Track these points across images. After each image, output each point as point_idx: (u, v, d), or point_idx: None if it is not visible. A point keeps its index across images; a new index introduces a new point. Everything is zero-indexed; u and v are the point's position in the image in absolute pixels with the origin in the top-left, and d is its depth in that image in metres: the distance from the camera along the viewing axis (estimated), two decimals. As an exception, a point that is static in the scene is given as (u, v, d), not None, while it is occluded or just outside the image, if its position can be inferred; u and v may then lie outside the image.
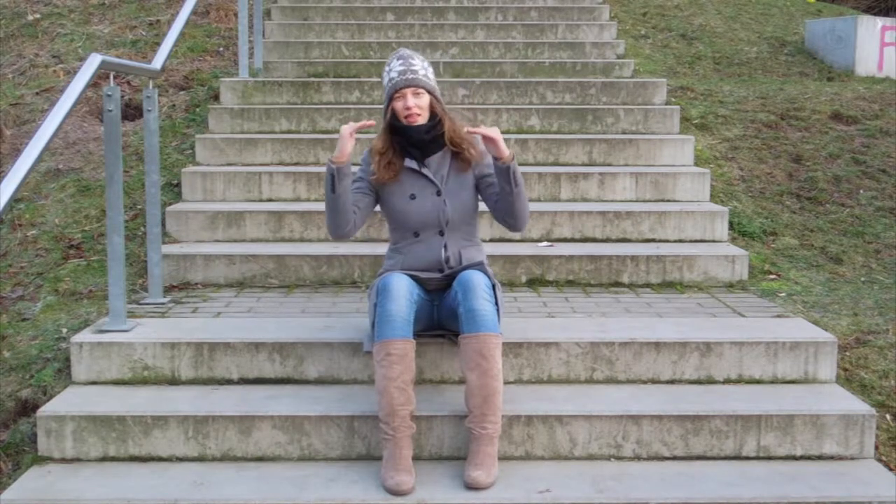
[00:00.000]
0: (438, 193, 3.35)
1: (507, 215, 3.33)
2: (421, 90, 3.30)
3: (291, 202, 5.15)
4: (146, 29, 7.32)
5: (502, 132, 5.67)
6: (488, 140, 3.20)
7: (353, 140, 3.27)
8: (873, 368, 3.72)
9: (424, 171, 3.37)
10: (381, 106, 5.97)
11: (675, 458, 3.31)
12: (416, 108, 3.30)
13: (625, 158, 5.57)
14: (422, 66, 3.34)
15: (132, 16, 7.53)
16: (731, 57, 8.04)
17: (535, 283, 4.53)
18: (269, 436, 3.28)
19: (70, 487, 3.06)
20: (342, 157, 3.25)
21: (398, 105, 3.32)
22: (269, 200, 5.18)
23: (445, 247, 3.37)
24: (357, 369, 3.57)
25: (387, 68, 3.38)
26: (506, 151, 3.20)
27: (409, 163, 3.38)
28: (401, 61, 3.33)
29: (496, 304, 3.22)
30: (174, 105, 6.31)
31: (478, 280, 3.19)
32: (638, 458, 3.31)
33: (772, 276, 4.68)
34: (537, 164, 5.55)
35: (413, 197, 3.36)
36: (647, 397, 3.44)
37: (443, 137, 3.34)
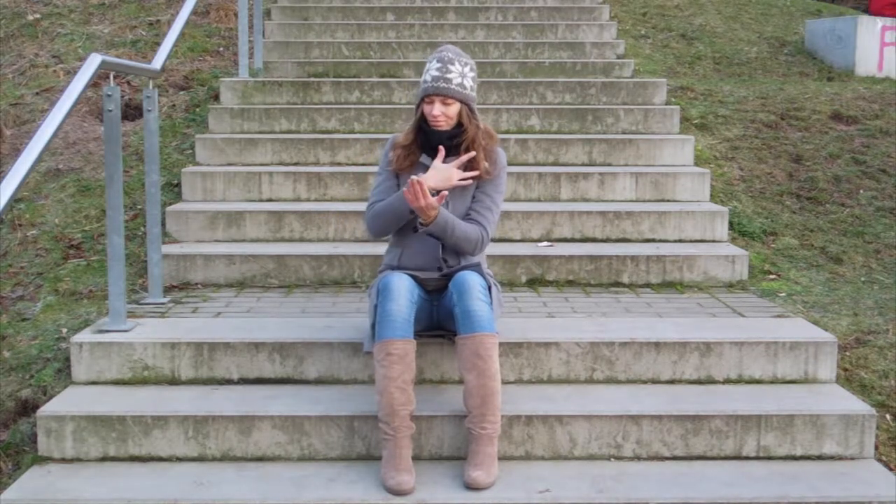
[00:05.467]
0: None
1: None
2: (451, 100, 3.31)
3: (291, 202, 5.15)
4: (146, 29, 7.32)
5: (502, 132, 5.78)
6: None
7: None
8: (873, 368, 3.72)
9: None
10: (381, 106, 6.04)
11: (675, 458, 3.31)
12: (443, 116, 3.31)
13: (625, 158, 5.57)
14: (458, 73, 3.31)
15: (132, 16, 7.53)
16: (731, 57, 8.04)
17: (535, 283, 4.53)
18: (269, 436, 3.28)
19: (70, 487, 3.06)
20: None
21: (427, 109, 3.34)
22: (269, 200, 5.18)
23: (443, 247, 3.37)
24: (357, 369, 3.57)
25: (427, 65, 3.37)
26: (425, 215, 3.22)
27: (425, 159, 3.41)
28: (439, 65, 3.31)
29: (492, 304, 3.22)
30: (174, 105, 6.31)
31: (472, 281, 3.19)
32: (638, 458, 3.31)
33: (772, 276, 4.68)
34: (537, 164, 5.55)
35: None
36: (647, 397, 3.44)
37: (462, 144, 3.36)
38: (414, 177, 3.16)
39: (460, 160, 3.30)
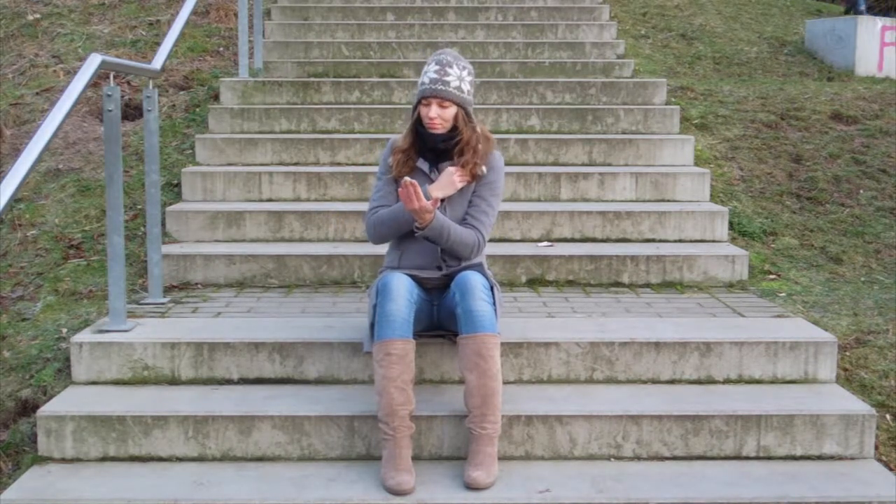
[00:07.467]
0: (441, 201, 3.36)
1: None
2: (448, 102, 3.30)
3: (291, 202, 5.15)
4: (146, 29, 7.32)
5: (502, 132, 5.79)
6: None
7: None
8: (873, 368, 3.72)
9: (433, 175, 3.39)
10: (381, 106, 6.04)
11: (675, 458, 3.31)
12: (439, 118, 3.31)
13: (625, 158, 5.57)
14: (456, 77, 3.30)
15: (132, 16, 7.53)
16: (731, 57, 8.04)
17: (535, 283, 4.53)
18: (269, 436, 3.28)
19: (70, 487, 3.06)
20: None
21: (423, 111, 3.33)
22: (269, 200, 5.18)
23: (442, 249, 3.37)
24: (357, 369, 3.58)
25: (425, 68, 3.37)
26: (420, 218, 3.22)
27: (422, 164, 3.42)
28: (437, 67, 3.31)
29: (494, 304, 3.22)
30: (174, 105, 6.31)
31: (475, 281, 3.19)
32: (638, 458, 3.31)
33: (772, 276, 4.68)
34: (537, 164, 5.55)
35: None
36: (647, 397, 3.44)
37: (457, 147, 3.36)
38: (407, 178, 3.16)
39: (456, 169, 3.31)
